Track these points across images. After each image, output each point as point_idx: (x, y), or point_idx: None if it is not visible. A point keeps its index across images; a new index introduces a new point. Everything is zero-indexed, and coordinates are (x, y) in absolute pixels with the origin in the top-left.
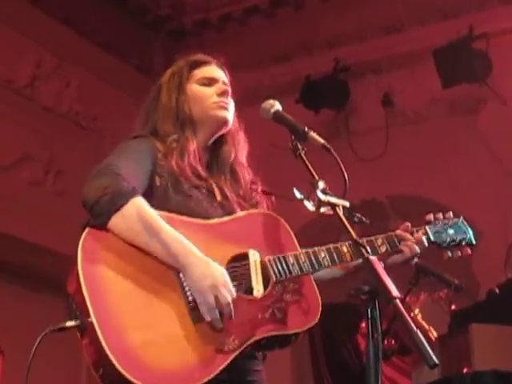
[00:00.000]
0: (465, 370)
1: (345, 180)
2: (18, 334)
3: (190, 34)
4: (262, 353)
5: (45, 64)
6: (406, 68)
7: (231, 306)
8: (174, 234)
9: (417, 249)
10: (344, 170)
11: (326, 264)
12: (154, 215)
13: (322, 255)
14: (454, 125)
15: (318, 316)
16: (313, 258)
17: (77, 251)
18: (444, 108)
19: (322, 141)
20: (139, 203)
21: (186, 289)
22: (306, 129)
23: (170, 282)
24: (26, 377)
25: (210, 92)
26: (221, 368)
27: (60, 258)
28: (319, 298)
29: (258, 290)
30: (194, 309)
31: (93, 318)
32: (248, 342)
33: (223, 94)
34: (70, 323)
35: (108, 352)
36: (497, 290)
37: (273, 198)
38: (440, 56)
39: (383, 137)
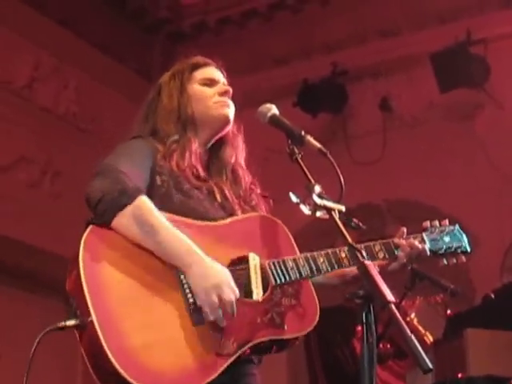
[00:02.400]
0: (459, 375)
1: (341, 184)
2: (14, 335)
3: (188, 37)
4: (258, 356)
5: (43, 65)
6: (404, 72)
7: (235, 305)
8: (179, 234)
9: (412, 253)
10: (340, 174)
11: (325, 269)
12: (159, 215)
13: (321, 260)
14: (452, 129)
15: (316, 321)
16: (312, 263)
17: (78, 249)
18: (441, 113)
19: (319, 145)
20: (144, 202)
21: (187, 290)
22: (303, 133)
23: (172, 282)
24: (27, 376)
25: (211, 92)
26: (219, 371)
27: (56, 260)
28: (317, 303)
29: (258, 293)
30: (194, 311)
31: (93, 318)
32: (246, 346)
33: (225, 93)
34: (69, 322)
35: (108, 352)
36: (492, 296)
37: (271, 201)
38: (438, 60)
39: (380, 141)
